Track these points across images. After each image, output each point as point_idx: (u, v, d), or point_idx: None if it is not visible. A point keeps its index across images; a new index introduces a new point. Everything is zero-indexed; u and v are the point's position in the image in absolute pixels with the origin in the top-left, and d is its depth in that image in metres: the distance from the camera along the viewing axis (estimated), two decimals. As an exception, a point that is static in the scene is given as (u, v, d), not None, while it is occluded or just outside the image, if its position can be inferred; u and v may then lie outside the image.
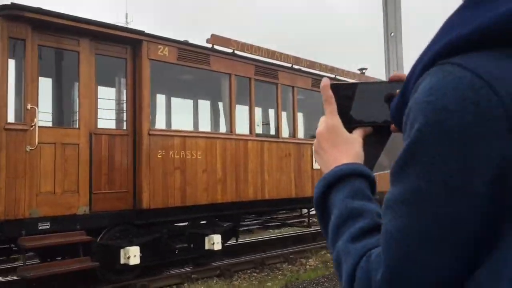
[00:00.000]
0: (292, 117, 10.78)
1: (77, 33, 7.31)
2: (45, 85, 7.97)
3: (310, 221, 11.47)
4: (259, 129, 10.09)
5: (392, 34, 5.29)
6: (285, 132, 10.82)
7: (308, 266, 9.86)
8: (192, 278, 8.03)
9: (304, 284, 7.86)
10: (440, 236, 0.66)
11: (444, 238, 0.66)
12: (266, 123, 11.81)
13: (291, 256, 10.34)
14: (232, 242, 10.38)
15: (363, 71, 13.94)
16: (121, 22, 30.35)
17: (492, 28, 0.66)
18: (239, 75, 9.49)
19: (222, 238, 8.92)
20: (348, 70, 12.76)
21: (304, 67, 11.23)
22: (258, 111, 10.97)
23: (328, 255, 10.58)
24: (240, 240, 11.08)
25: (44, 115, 7.58)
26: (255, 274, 9.09)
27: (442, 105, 0.65)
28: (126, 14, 24.27)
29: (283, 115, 10.97)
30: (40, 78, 7.17)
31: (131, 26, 14.52)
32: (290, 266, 9.87)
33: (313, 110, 14.24)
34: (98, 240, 7.37)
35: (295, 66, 10.97)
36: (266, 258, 9.97)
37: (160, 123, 10.02)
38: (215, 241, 8.64)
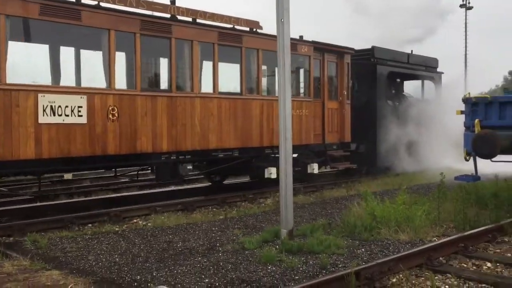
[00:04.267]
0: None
1: None
2: None
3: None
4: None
5: (282, 20, 7.55)
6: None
7: (263, 205, 10.83)
8: None
9: (245, 218, 8.83)
10: None
11: None
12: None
13: (250, 196, 11.51)
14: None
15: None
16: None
17: None
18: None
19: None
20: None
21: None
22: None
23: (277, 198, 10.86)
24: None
25: None
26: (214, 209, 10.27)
27: None
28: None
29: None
30: None
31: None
32: (249, 204, 10.98)
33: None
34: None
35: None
36: (228, 197, 11.13)
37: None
38: None
